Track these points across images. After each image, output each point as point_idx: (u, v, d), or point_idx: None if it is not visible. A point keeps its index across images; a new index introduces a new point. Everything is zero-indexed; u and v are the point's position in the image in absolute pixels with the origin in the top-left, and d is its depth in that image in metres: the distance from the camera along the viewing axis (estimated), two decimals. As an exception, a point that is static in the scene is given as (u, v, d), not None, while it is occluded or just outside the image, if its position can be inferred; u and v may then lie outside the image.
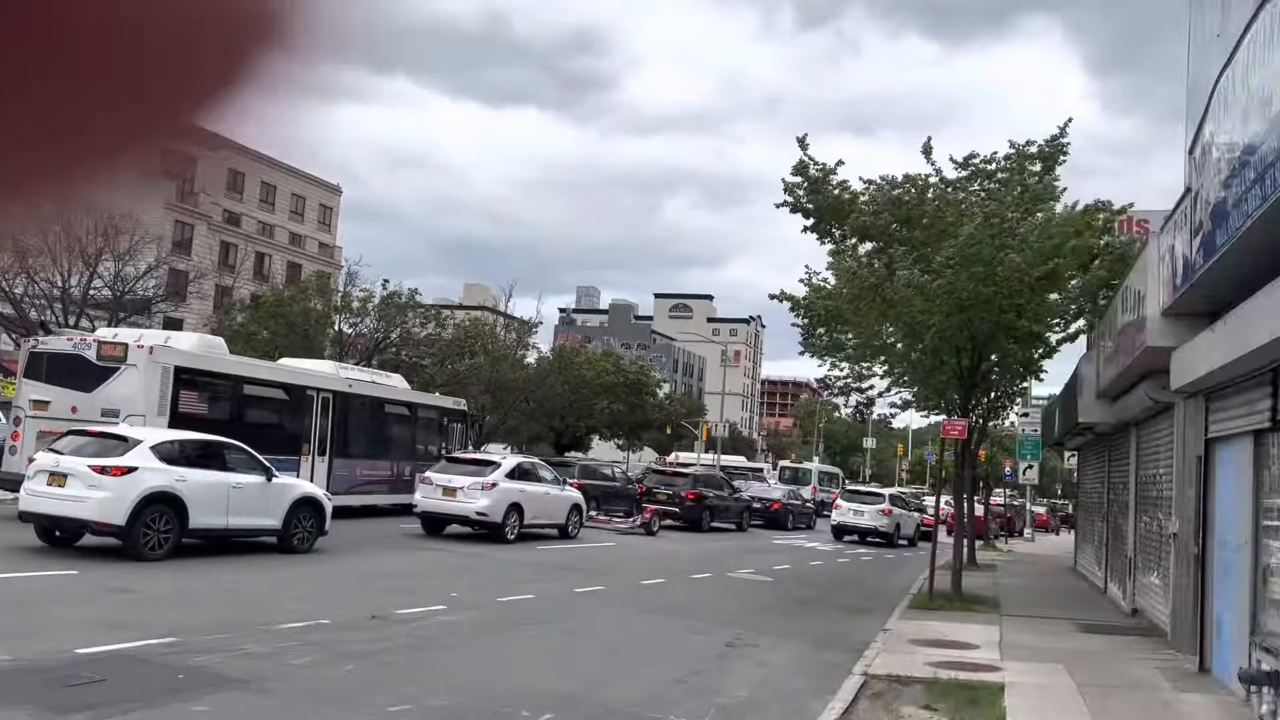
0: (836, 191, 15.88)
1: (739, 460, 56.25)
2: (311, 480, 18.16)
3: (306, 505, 15.04)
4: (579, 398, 45.27)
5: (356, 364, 29.96)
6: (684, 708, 7.72)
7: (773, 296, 18.30)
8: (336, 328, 38.07)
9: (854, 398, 21.57)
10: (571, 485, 22.53)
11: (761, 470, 51.11)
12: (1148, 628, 13.32)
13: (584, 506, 21.98)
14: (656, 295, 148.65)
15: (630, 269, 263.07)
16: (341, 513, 17.74)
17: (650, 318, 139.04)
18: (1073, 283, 16.89)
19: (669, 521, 26.54)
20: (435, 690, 7.53)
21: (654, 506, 25.92)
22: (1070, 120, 15.98)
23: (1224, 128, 8.06)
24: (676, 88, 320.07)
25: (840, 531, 30.38)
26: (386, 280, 38.52)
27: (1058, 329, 18.13)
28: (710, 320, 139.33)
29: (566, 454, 41.95)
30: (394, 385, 24.68)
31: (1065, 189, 16.32)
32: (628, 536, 23.52)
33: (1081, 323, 18.18)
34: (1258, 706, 8.06)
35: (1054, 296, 16.60)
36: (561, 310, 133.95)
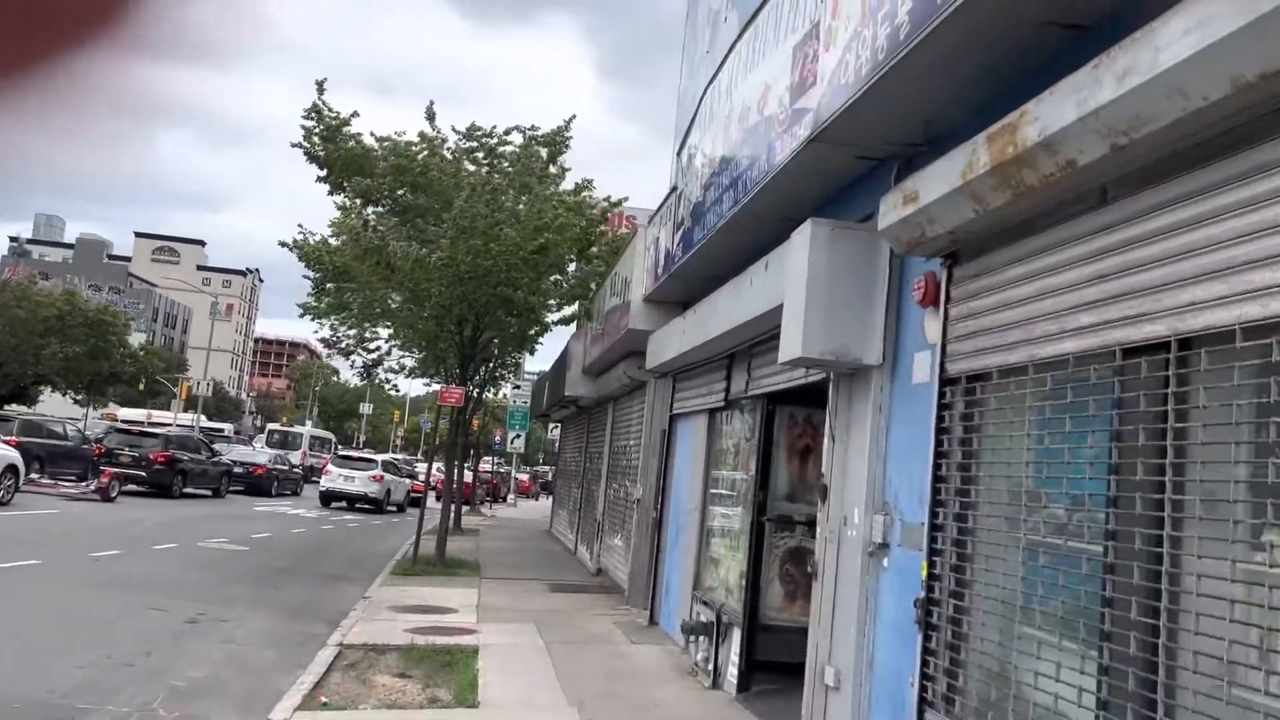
0: (351, 144, 15.31)
1: (195, 419, 52.92)
2: None
3: None
4: (21, 340, 38.66)
5: None
6: (127, 695, 6.76)
7: (282, 244, 17.43)
8: None
9: (358, 359, 20.89)
10: (8, 443, 19.20)
11: (223, 430, 48.81)
12: (609, 586, 14.56)
13: (21, 468, 18.79)
14: (138, 234, 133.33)
15: (108, 203, 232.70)
16: None
17: (128, 258, 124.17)
18: (570, 268, 17.96)
19: (133, 487, 23.78)
20: None
21: (114, 469, 22.99)
22: (574, 116, 17.05)
23: (708, 135, 8.91)
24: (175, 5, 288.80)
25: (329, 498, 29.50)
26: None
27: (553, 309, 19.19)
28: (201, 268, 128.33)
29: (5, 407, 35.75)
30: None
31: (570, 168, 17.33)
32: (79, 503, 20.59)
33: (577, 306, 19.41)
34: (694, 654, 9.09)
35: (555, 279, 17.52)
36: (13, 240, 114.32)
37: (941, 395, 4.97)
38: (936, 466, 4.93)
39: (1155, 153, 3.30)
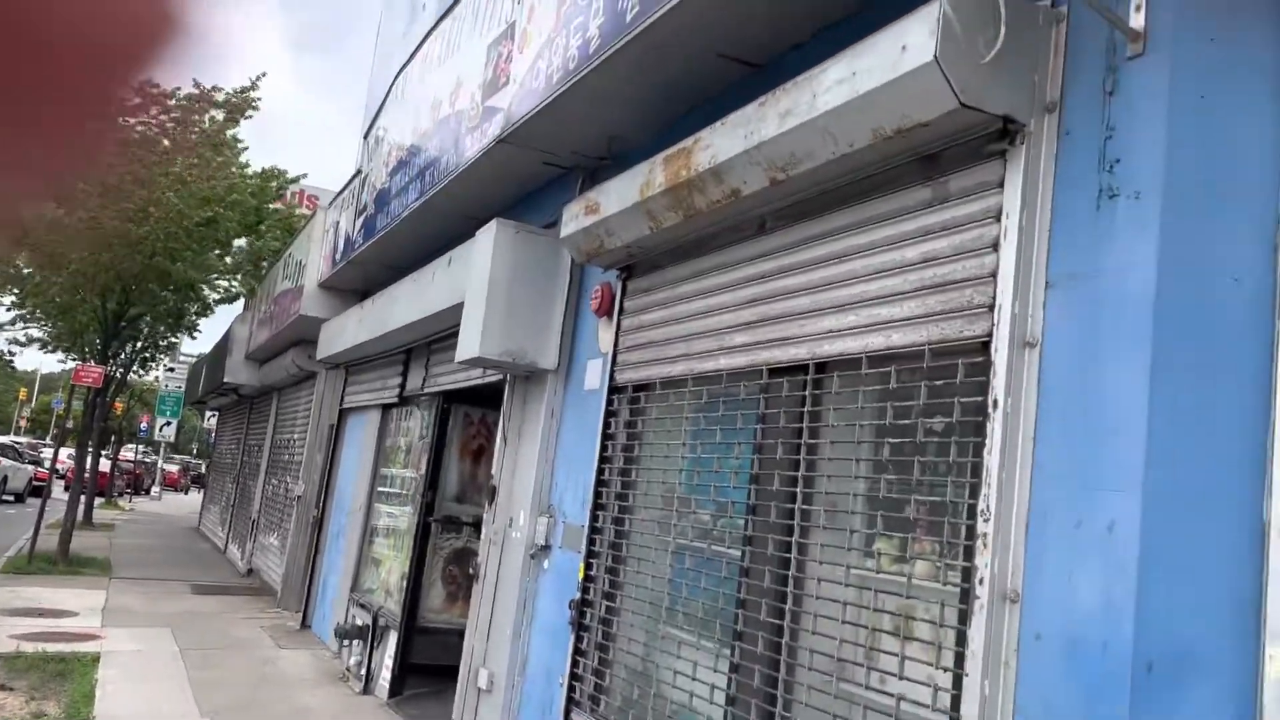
0: None
1: None
2: None
3: None
4: None
5: None
6: None
7: None
8: None
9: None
10: None
11: None
12: (260, 587, 13.68)
13: None
14: None
15: None
16: None
17: None
18: (238, 242, 16.70)
19: None
20: None
21: None
22: (264, 75, 15.82)
23: (398, 120, 8.63)
24: None
25: (-75, 484, 25.46)
26: None
27: (219, 289, 17.76)
28: None
29: None
30: None
31: (247, 147, 16.10)
32: None
33: (240, 280, 18.06)
34: (347, 658, 8.74)
35: (218, 253, 16.20)
36: None
37: (609, 402, 5.11)
38: (600, 471, 5.06)
39: (807, 190, 3.59)
